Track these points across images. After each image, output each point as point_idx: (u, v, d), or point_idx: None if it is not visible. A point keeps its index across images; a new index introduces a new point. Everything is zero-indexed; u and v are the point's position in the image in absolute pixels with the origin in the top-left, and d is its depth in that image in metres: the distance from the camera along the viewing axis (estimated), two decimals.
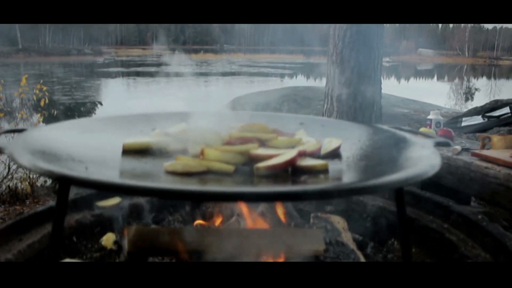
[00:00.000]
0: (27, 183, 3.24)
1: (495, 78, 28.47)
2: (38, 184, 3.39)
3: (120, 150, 0.97)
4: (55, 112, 4.91)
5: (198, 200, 1.26)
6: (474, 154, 2.18)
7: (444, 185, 2.19)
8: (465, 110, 4.59)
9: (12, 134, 1.10)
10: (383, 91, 3.94)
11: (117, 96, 14.11)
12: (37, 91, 4.23)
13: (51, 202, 1.69)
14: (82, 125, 1.17)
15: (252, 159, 0.88)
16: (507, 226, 1.68)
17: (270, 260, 1.23)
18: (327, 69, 3.92)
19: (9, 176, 3.32)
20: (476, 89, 17.26)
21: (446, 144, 1.03)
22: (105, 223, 1.54)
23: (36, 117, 4.22)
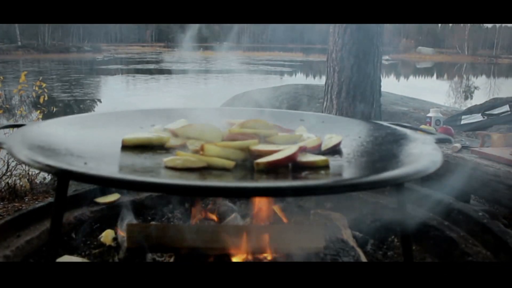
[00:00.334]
0: (26, 180, 3.24)
1: (494, 77, 28.48)
2: (37, 181, 3.39)
3: (120, 146, 0.97)
4: (54, 109, 4.90)
5: (198, 195, 1.26)
6: (474, 152, 2.18)
7: (444, 182, 2.19)
8: (464, 108, 4.59)
9: (11, 130, 1.09)
10: (382, 89, 3.94)
11: (116, 93, 14.10)
12: (37, 88, 4.22)
13: (50, 199, 1.69)
14: (81, 120, 1.16)
15: (252, 155, 0.88)
16: (506, 224, 1.68)
17: (270, 256, 1.23)
18: (327, 67, 3.92)
19: (8, 173, 3.32)
20: (475, 88, 17.27)
21: (447, 141, 1.03)
22: (104, 220, 1.54)
23: (35, 114, 4.22)
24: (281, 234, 1.23)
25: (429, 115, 2.88)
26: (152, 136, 1.01)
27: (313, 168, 0.81)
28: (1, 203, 2.72)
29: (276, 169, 0.80)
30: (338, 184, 0.63)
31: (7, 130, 1.12)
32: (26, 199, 3.05)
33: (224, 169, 0.80)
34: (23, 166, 3.18)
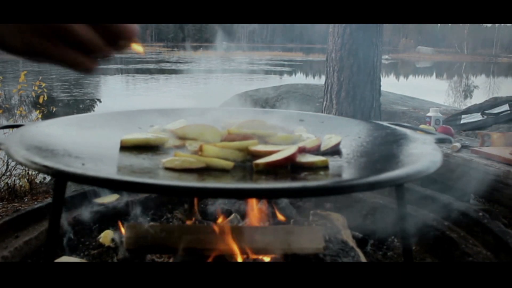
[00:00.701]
0: (25, 180, 3.24)
1: (493, 76, 28.49)
2: (37, 181, 3.39)
3: (118, 146, 0.96)
4: (54, 109, 4.90)
5: (197, 196, 1.26)
6: (473, 151, 2.18)
7: (444, 182, 2.19)
8: (464, 107, 4.59)
9: (9, 130, 1.09)
10: (382, 88, 3.94)
11: (116, 93, 14.10)
12: (36, 88, 4.22)
13: (49, 199, 1.68)
14: (80, 121, 1.15)
15: (252, 156, 0.87)
16: (507, 224, 1.68)
17: (269, 257, 1.22)
18: (326, 67, 3.92)
19: (8, 173, 3.32)
20: (475, 87, 17.27)
21: (447, 141, 1.03)
22: (103, 220, 1.54)
23: (35, 113, 4.22)
24: (280, 234, 1.22)
25: (428, 114, 2.88)
26: (150, 137, 1.01)
27: (313, 168, 0.81)
28: (1, 203, 2.72)
29: (275, 169, 0.79)
30: (337, 185, 0.63)
31: (6, 130, 1.12)
32: (26, 199, 3.05)
33: (223, 170, 0.80)
34: (23, 166, 3.17)
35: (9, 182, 3.24)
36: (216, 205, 1.52)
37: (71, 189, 1.63)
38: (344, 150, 0.98)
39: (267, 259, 1.22)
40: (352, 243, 1.31)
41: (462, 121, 3.74)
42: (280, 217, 1.48)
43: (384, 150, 0.92)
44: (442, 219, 1.41)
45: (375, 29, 3.68)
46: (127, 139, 0.97)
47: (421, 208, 1.48)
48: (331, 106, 3.86)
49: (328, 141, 1.00)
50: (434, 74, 30.02)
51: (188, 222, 1.50)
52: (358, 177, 0.77)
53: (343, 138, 1.02)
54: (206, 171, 0.79)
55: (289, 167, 0.81)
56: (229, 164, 0.80)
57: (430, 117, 2.84)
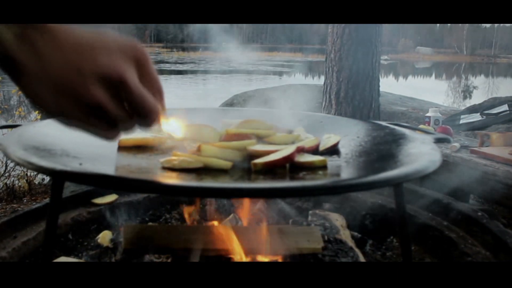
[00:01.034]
0: (24, 180, 3.23)
1: (493, 76, 28.52)
2: (36, 182, 3.38)
3: (116, 146, 0.96)
4: None
5: (195, 196, 1.26)
6: (473, 152, 2.18)
7: (443, 182, 2.19)
8: (463, 108, 4.59)
9: (7, 130, 1.08)
10: (381, 89, 3.94)
11: None
12: None
13: (47, 200, 1.68)
14: None
15: (250, 155, 0.87)
16: (506, 224, 1.67)
17: (268, 258, 1.22)
18: (325, 67, 3.92)
19: (7, 174, 3.31)
20: (474, 87, 17.28)
21: (446, 140, 1.02)
22: (101, 221, 1.53)
23: (34, 114, 4.22)
24: (278, 235, 1.22)
25: (428, 115, 2.88)
26: (148, 137, 1.00)
27: (311, 168, 0.81)
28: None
29: (273, 169, 0.79)
30: (336, 185, 0.63)
31: (3, 130, 1.12)
32: (25, 200, 3.05)
33: (221, 170, 0.79)
34: (20, 166, 3.17)
35: (8, 182, 3.23)
36: (215, 205, 1.51)
37: (70, 189, 1.63)
38: (342, 150, 0.98)
39: (265, 259, 1.22)
40: (351, 243, 1.31)
41: (461, 121, 3.74)
42: (279, 217, 1.47)
43: (382, 150, 0.92)
44: (441, 219, 1.41)
45: (374, 29, 3.68)
46: (125, 139, 0.97)
47: (420, 208, 1.48)
48: (330, 107, 3.86)
49: (326, 141, 0.99)
50: (433, 75, 30.05)
51: (187, 222, 1.50)
52: (357, 176, 0.76)
53: (342, 138, 1.01)
54: (204, 171, 0.78)
55: (287, 167, 0.81)
56: (227, 164, 0.80)
57: (429, 117, 2.84)
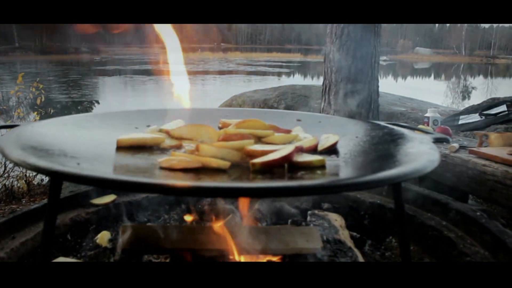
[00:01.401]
0: (23, 181, 3.23)
1: (491, 77, 28.56)
2: (35, 182, 3.38)
3: (114, 146, 0.96)
4: (52, 111, 4.89)
5: (193, 195, 1.25)
6: (471, 152, 2.18)
7: (442, 183, 2.19)
8: (462, 108, 4.59)
9: (5, 130, 1.08)
10: (380, 89, 3.94)
11: (114, 94, 14.09)
12: (34, 90, 4.21)
13: (46, 200, 1.67)
14: (76, 121, 1.15)
15: (248, 155, 0.87)
16: (505, 224, 1.67)
17: (266, 258, 1.22)
18: (324, 68, 3.92)
19: (5, 175, 3.30)
20: (473, 88, 17.29)
21: (445, 140, 1.02)
22: (100, 221, 1.53)
23: (33, 115, 4.21)
24: (277, 235, 1.22)
25: (426, 115, 2.88)
26: (147, 137, 1.00)
27: (310, 168, 0.80)
28: None
29: (272, 169, 0.79)
30: (334, 184, 0.63)
31: (2, 130, 1.12)
32: (24, 201, 3.04)
33: (219, 170, 0.79)
34: (21, 167, 3.17)
35: (6, 183, 3.23)
36: (214, 205, 1.51)
37: (68, 190, 1.62)
38: (341, 149, 0.98)
39: (264, 259, 1.22)
40: (350, 243, 1.31)
41: (460, 122, 3.74)
42: (278, 217, 1.47)
43: (381, 150, 0.92)
44: (440, 219, 1.41)
45: (372, 30, 3.68)
46: (123, 139, 0.97)
47: (418, 208, 1.48)
48: (329, 107, 3.86)
49: (325, 141, 0.99)
50: (432, 75, 30.08)
51: (185, 223, 1.50)
52: (355, 176, 0.76)
53: (341, 138, 1.01)
54: (202, 170, 0.78)
55: (286, 166, 0.81)
56: (225, 164, 0.80)
57: (428, 117, 2.84)
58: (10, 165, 3.34)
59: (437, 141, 0.96)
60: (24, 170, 3.25)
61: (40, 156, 0.75)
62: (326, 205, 1.63)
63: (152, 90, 14.72)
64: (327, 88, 3.86)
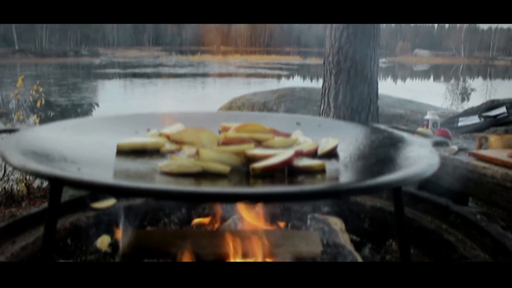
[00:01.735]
0: (23, 184, 3.22)
1: (490, 78, 28.61)
2: (35, 186, 3.37)
3: (114, 151, 0.96)
4: (52, 114, 4.89)
5: (194, 201, 1.25)
6: (471, 154, 2.18)
7: (442, 185, 2.19)
8: (461, 110, 4.60)
9: (5, 134, 1.08)
10: (379, 91, 3.94)
11: (114, 97, 14.11)
12: (34, 92, 4.21)
13: (46, 204, 1.67)
14: (76, 125, 1.15)
15: (248, 160, 0.87)
16: (505, 226, 1.67)
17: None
18: (324, 70, 3.92)
19: (5, 178, 3.30)
20: (472, 89, 17.30)
21: (444, 144, 1.02)
22: (100, 225, 1.53)
23: (33, 118, 4.21)
24: (277, 239, 1.22)
25: (426, 117, 2.88)
26: (147, 141, 1.00)
27: (310, 172, 0.81)
28: None
29: (272, 174, 0.79)
30: (334, 189, 0.63)
31: (2, 134, 1.11)
32: (23, 204, 3.04)
33: (219, 174, 0.79)
34: (19, 171, 3.16)
35: (6, 186, 3.22)
36: (213, 209, 1.51)
37: (68, 194, 1.62)
38: (341, 153, 0.98)
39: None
40: (350, 246, 1.31)
41: (459, 124, 3.74)
42: (278, 221, 1.47)
43: (381, 154, 0.92)
44: (440, 222, 1.41)
45: (372, 32, 3.69)
46: (123, 143, 0.97)
47: (418, 211, 1.48)
48: (328, 110, 3.86)
49: (325, 145, 0.99)
50: (432, 77, 30.12)
51: (186, 227, 1.50)
52: (355, 180, 0.76)
53: (340, 142, 1.01)
54: (202, 175, 0.78)
55: (286, 171, 0.81)
56: (225, 168, 0.80)
57: (427, 120, 2.84)
58: (10, 168, 3.34)
59: (436, 144, 0.96)
60: (23, 174, 3.25)
61: (40, 161, 0.75)
62: (326, 209, 1.63)
63: (151, 93, 14.73)
64: (327, 91, 3.86)
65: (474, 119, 3.71)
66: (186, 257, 1.19)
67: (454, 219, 1.37)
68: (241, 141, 0.99)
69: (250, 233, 1.27)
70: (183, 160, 0.83)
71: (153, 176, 0.78)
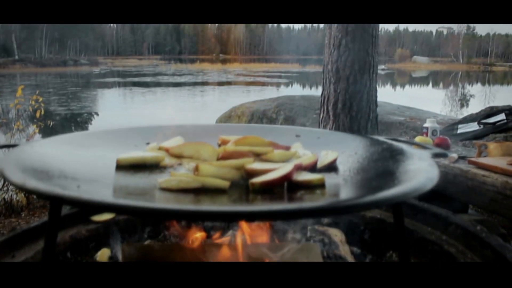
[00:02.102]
0: (22, 195, 3.22)
1: (489, 84, 28.70)
2: (34, 196, 3.37)
3: (114, 166, 0.96)
4: (51, 123, 4.89)
5: (193, 220, 1.25)
6: (470, 162, 2.18)
7: (442, 193, 2.19)
8: (460, 116, 4.61)
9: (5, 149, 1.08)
10: (378, 98, 3.95)
11: (113, 106, 14.14)
12: (33, 102, 4.21)
13: (45, 218, 1.67)
14: (76, 140, 1.15)
15: (248, 174, 0.87)
16: (506, 234, 1.67)
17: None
18: (323, 79, 3.93)
19: (5, 188, 3.30)
20: (471, 96, 17.35)
21: (443, 155, 1.03)
22: (100, 238, 1.52)
23: (32, 128, 4.21)
24: (278, 252, 1.22)
25: (425, 125, 2.89)
26: (146, 156, 1.00)
27: (309, 187, 0.80)
28: None
29: (271, 189, 0.79)
30: (333, 207, 0.63)
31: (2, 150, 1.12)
32: (23, 214, 3.03)
33: (219, 190, 0.79)
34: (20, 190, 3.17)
35: (6, 197, 3.22)
36: (213, 222, 1.51)
37: (68, 206, 1.62)
38: (340, 166, 0.98)
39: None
40: (350, 258, 1.30)
41: (458, 131, 3.75)
42: (278, 233, 1.47)
43: (380, 167, 0.92)
44: (440, 233, 1.40)
45: (370, 40, 3.70)
46: (123, 158, 0.97)
47: (418, 222, 1.48)
48: (328, 118, 3.87)
49: (324, 158, 0.99)
50: (430, 83, 30.21)
51: (185, 240, 1.49)
52: (354, 197, 0.76)
53: (340, 154, 1.01)
54: (202, 191, 0.78)
55: (285, 185, 0.81)
56: (225, 184, 0.80)
57: (427, 128, 2.85)
58: None
59: (436, 156, 0.96)
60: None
61: (40, 178, 0.75)
62: (326, 220, 1.63)
63: (151, 102, 14.77)
64: (326, 99, 3.87)
65: (473, 126, 3.72)
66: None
67: (454, 230, 1.37)
68: (241, 154, 0.99)
69: (250, 246, 1.26)
70: (182, 176, 0.83)
71: (152, 192, 0.78)
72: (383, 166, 0.92)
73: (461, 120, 3.99)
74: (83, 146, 1.09)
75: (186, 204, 0.71)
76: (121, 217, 1.60)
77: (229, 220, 1.06)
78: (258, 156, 1.02)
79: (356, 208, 0.64)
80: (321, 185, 0.81)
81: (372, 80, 3.77)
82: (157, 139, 1.18)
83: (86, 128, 10.20)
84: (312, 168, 0.95)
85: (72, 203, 0.63)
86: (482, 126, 3.66)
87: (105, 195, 0.73)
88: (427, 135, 2.81)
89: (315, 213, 0.61)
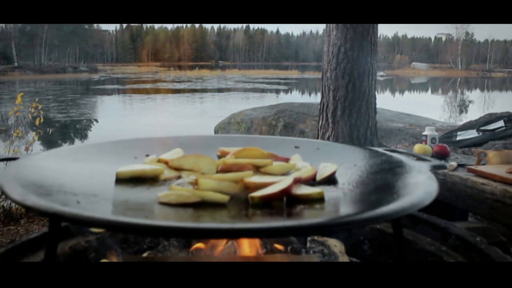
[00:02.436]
0: None
1: (488, 90, 28.79)
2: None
3: (113, 178, 0.96)
4: (51, 131, 4.89)
5: (192, 237, 1.25)
6: (470, 170, 2.19)
7: (441, 201, 2.19)
8: (459, 122, 4.62)
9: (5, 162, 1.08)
10: (378, 105, 3.96)
11: (113, 113, 14.16)
12: (33, 110, 4.22)
13: (45, 228, 1.67)
14: (75, 152, 1.16)
15: (247, 187, 0.87)
16: (505, 242, 1.67)
17: None
18: (322, 85, 3.95)
19: (3, 196, 3.29)
20: (470, 102, 17.40)
21: (443, 167, 1.03)
22: (99, 249, 1.52)
23: (32, 135, 4.22)
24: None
25: (424, 133, 2.90)
26: (146, 169, 1.01)
27: (308, 201, 0.81)
28: None
29: (270, 202, 0.79)
30: (332, 223, 0.63)
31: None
32: (22, 222, 3.03)
33: (218, 204, 0.79)
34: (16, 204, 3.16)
35: (4, 204, 3.22)
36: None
37: None
38: (340, 179, 0.98)
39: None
40: None
41: (458, 138, 3.76)
42: (277, 244, 1.46)
43: (379, 180, 0.92)
44: (439, 244, 1.40)
45: (369, 47, 3.72)
46: (122, 171, 0.97)
47: (418, 233, 1.48)
48: (327, 125, 3.87)
49: (323, 170, 0.99)
50: (429, 90, 30.30)
51: (184, 252, 1.49)
52: (353, 213, 0.76)
53: (339, 166, 1.02)
54: (201, 205, 0.78)
55: (284, 199, 0.81)
56: (224, 198, 0.80)
57: (426, 135, 2.86)
58: None
59: (435, 168, 0.96)
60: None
61: (39, 193, 0.75)
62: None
63: (150, 109, 14.79)
64: (325, 106, 3.88)
65: (472, 133, 3.73)
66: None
67: (454, 241, 1.36)
68: (240, 167, 1.00)
69: (247, 258, 1.26)
70: (181, 190, 0.83)
71: (152, 207, 0.78)
72: (382, 179, 0.92)
73: (460, 127, 4.00)
74: (83, 158, 1.10)
75: (186, 221, 0.71)
76: None
77: (228, 237, 1.06)
78: (257, 169, 1.02)
79: (355, 224, 0.64)
80: (320, 199, 0.81)
81: (371, 88, 3.78)
82: (157, 151, 1.18)
83: (86, 135, 10.22)
84: (312, 180, 0.95)
85: (71, 220, 0.63)
86: (481, 133, 3.67)
87: (104, 211, 0.73)
88: (426, 143, 2.82)
89: (314, 230, 0.61)
